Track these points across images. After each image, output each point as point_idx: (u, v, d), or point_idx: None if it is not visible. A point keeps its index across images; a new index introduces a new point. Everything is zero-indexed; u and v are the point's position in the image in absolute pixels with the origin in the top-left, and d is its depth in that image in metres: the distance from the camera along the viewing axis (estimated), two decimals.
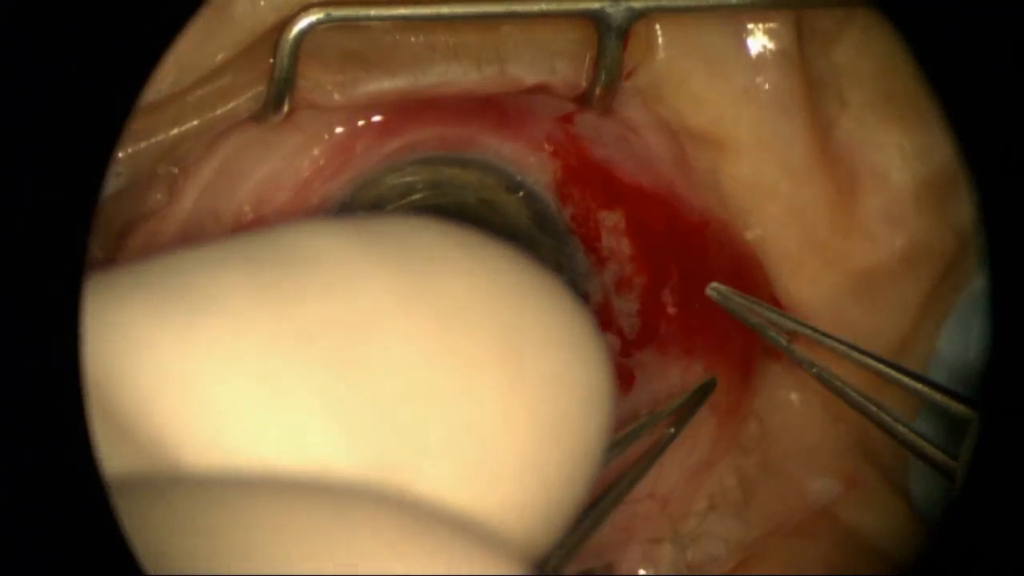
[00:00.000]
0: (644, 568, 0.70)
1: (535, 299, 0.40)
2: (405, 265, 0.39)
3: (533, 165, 0.69)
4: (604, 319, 0.69)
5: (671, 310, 0.70)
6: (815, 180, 0.66)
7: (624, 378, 0.69)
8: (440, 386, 0.38)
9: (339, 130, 0.67)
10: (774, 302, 0.69)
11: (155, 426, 0.37)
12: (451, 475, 0.37)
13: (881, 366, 0.64)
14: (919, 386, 0.63)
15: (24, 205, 0.42)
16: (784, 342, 0.66)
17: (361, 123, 0.67)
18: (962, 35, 0.46)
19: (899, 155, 0.66)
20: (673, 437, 0.66)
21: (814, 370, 0.65)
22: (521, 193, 0.69)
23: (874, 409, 0.65)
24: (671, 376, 0.70)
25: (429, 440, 0.37)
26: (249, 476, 0.37)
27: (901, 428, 0.64)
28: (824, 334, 0.65)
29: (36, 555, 0.38)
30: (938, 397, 0.63)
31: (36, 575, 0.38)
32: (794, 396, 0.70)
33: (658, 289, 0.70)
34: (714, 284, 0.67)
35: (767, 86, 0.65)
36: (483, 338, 0.38)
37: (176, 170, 0.64)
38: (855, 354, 0.65)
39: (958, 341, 0.68)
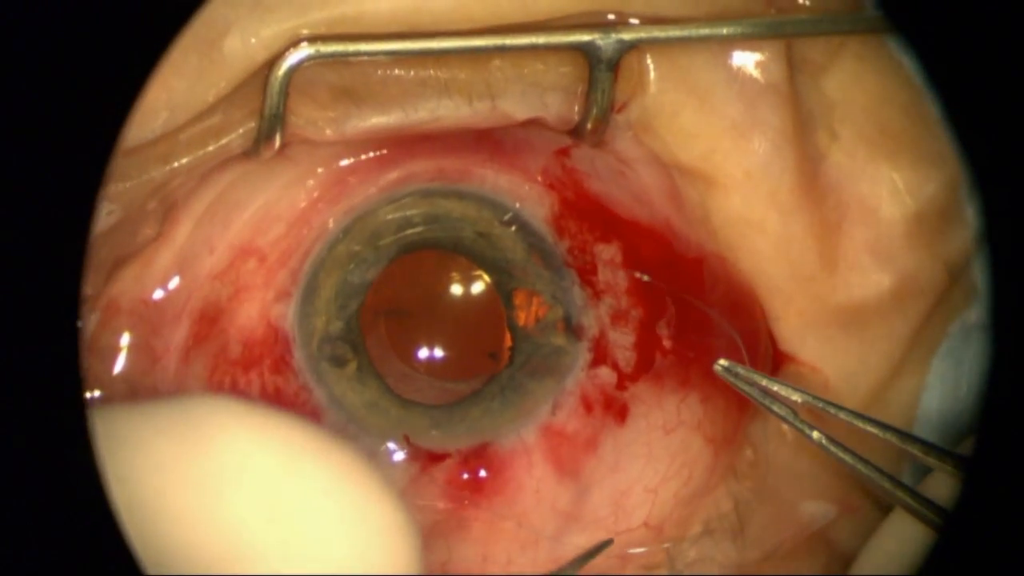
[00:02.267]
0: None
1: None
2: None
3: (530, 198, 0.69)
4: (599, 352, 0.70)
5: (667, 343, 0.70)
6: (803, 214, 0.66)
7: (618, 411, 0.69)
8: None
9: (334, 163, 0.67)
10: (770, 337, 0.69)
11: None
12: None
13: (888, 434, 0.64)
14: (919, 452, 0.63)
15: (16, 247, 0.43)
16: (787, 414, 0.65)
17: (357, 156, 0.67)
18: (972, 53, 0.46)
19: (890, 189, 0.66)
20: None
21: (816, 436, 0.65)
22: (516, 227, 0.69)
23: (877, 475, 0.64)
24: (667, 408, 0.70)
25: None
26: None
27: (901, 494, 0.64)
28: (829, 403, 0.65)
29: (39, 555, 0.39)
30: (946, 465, 0.63)
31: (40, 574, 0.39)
32: (785, 424, 0.69)
33: (654, 322, 0.70)
34: (721, 361, 0.67)
35: (757, 120, 0.65)
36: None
37: (166, 205, 0.65)
38: (860, 421, 0.65)
39: (948, 375, 0.67)
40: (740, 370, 0.66)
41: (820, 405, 0.65)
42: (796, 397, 0.65)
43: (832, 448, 0.64)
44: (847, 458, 0.64)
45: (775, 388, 0.65)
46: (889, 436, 0.64)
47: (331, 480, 0.52)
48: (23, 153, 0.45)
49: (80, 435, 0.43)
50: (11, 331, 0.43)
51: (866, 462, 0.64)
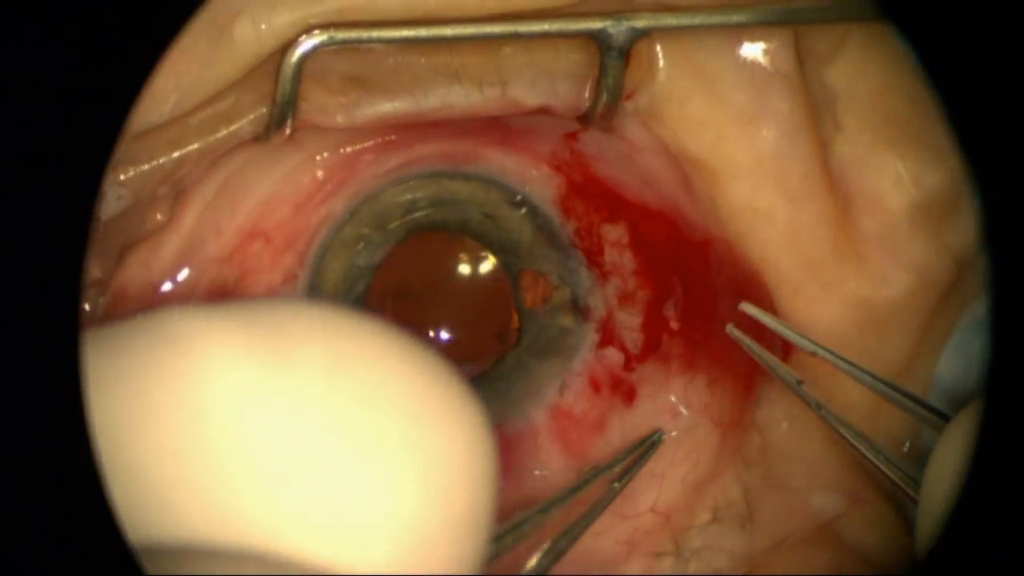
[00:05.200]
0: None
1: (400, 369, 0.42)
2: (266, 347, 0.41)
3: (536, 180, 0.69)
4: (606, 333, 0.70)
5: (674, 325, 0.70)
6: (813, 202, 0.66)
7: (626, 393, 0.70)
8: (300, 459, 0.40)
9: (341, 146, 0.67)
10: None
11: None
12: (321, 540, 0.40)
13: (892, 391, 0.64)
14: (924, 412, 0.64)
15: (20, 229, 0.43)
16: (795, 382, 0.66)
17: (364, 140, 0.67)
18: (970, 46, 0.46)
19: (894, 179, 0.66)
20: (616, 493, 0.67)
21: (821, 411, 0.65)
22: (524, 209, 0.69)
23: (875, 452, 0.64)
24: (673, 390, 0.70)
25: (290, 509, 0.40)
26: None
27: (899, 473, 0.64)
28: (841, 358, 0.65)
29: (39, 555, 0.39)
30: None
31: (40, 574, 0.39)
32: (795, 411, 0.70)
33: (661, 304, 0.70)
34: (731, 327, 0.68)
35: (767, 107, 0.65)
36: (341, 409, 0.40)
37: (176, 190, 0.64)
38: (868, 377, 0.65)
39: (958, 366, 0.68)
40: (750, 342, 0.67)
41: (841, 364, 0.65)
42: (814, 350, 0.65)
43: (836, 424, 0.65)
44: (851, 436, 0.64)
45: (794, 337, 0.66)
46: (908, 404, 0.64)
47: None
48: (28, 139, 0.45)
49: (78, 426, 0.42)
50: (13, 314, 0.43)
51: (870, 442, 0.64)
